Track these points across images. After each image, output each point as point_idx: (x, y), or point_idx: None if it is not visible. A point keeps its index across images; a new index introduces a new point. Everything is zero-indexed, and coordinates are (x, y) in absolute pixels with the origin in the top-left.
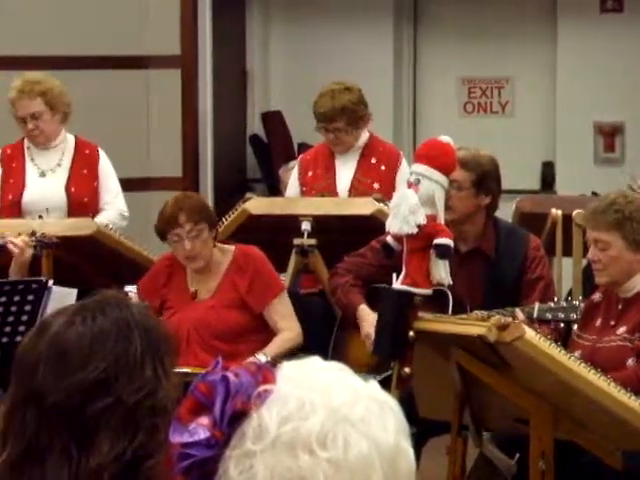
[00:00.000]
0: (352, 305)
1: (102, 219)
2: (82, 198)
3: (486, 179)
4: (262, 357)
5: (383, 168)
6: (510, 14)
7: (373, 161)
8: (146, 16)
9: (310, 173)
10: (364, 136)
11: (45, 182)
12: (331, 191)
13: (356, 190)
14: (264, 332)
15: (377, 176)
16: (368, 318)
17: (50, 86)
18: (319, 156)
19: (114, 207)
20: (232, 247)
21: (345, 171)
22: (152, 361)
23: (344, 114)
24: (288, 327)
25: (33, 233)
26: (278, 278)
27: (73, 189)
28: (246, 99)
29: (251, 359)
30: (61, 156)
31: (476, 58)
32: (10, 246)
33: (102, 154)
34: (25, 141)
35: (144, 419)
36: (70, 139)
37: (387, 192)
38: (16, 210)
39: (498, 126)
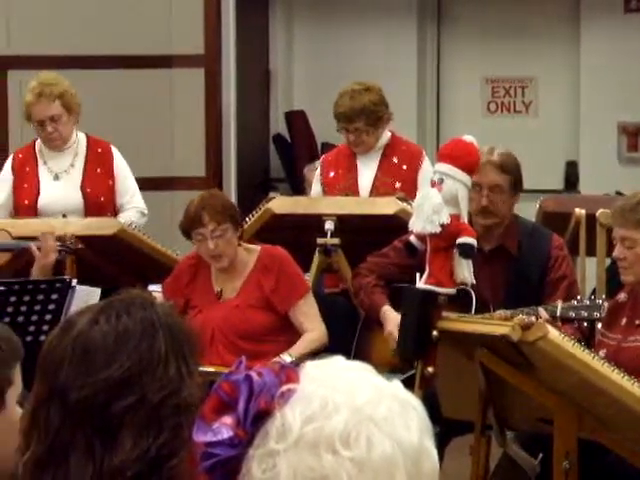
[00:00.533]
0: (375, 306)
1: (123, 219)
2: (98, 198)
3: (520, 179)
4: (287, 357)
5: (405, 167)
6: (533, 14)
7: (395, 161)
8: (170, 15)
9: (332, 173)
10: (385, 136)
11: (59, 185)
12: (353, 191)
13: (378, 190)
14: (289, 332)
15: (399, 175)
16: (392, 317)
17: (65, 87)
18: (341, 156)
19: (133, 206)
20: (257, 247)
21: (367, 171)
22: (176, 360)
23: (363, 114)
24: (313, 328)
25: (59, 238)
26: (304, 279)
27: (89, 189)
28: (269, 99)
29: (276, 359)
30: (74, 157)
31: (500, 58)
32: (34, 248)
33: (116, 152)
34: (36, 144)
35: (168, 418)
36: (82, 138)
37: (409, 191)
38: (32, 215)
39: (522, 126)
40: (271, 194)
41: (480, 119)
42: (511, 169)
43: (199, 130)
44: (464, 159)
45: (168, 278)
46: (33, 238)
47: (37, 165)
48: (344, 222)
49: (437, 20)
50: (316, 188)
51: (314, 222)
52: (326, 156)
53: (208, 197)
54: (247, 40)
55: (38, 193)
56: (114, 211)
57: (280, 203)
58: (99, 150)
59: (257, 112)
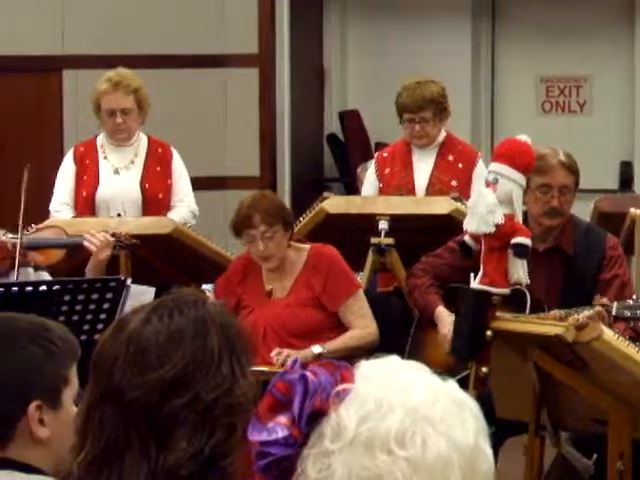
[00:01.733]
0: (430, 306)
1: (174, 216)
2: (157, 194)
3: (579, 180)
4: (317, 348)
5: (460, 166)
6: (588, 13)
7: (450, 159)
8: (224, 15)
9: (387, 170)
10: (442, 134)
11: (119, 179)
12: (409, 188)
13: (434, 187)
14: (340, 329)
15: (455, 174)
16: (446, 319)
17: (141, 84)
18: (397, 153)
19: (184, 204)
20: (307, 246)
21: (423, 168)
22: (229, 359)
23: (432, 103)
24: (363, 326)
25: (113, 234)
26: (353, 277)
27: (147, 185)
28: (323, 98)
29: (305, 350)
30: (134, 154)
31: (554, 57)
32: (87, 244)
33: (175, 153)
34: (98, 139)
35: (221, 417)
36: (143, 138)
37: (464, 190)
38: (90, 207)
39: (576, 125)
40: (325, 194)
41: (534, 119)
42: (576, 169)
43: (253, 129)
44: (519, 159)
45: (220, 278)
46: None
47: (98, 159)
48: (398, 222)
49: (492, 19)
50: (366, 188)
51: (368, 222)
52: (380, 153)
53: (260, 198)
54: (301, 39)
55: (97, 186)
56: (169, 210)
57: (334, 203)
58: (159, 150)
59: (311, 112)
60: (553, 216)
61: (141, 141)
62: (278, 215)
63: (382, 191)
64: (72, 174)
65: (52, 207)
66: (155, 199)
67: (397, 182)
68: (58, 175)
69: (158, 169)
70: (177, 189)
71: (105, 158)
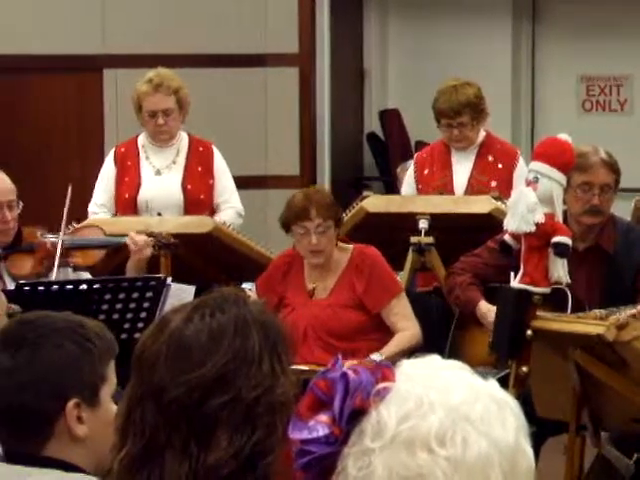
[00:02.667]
0: (471, 302)
1: (219, 218)
2: (198, 195)
3: (620, 178)
4: (377, 356)
5: (500, 166)
6: (628, 12)
7: (490, 159)
8: (265, 15)
9: (426, 171)
10: (481, 134)
11: (161, 180)
12: (448, 189)
13: (473, 188)
14: (382, 330)
15: (494, 174)
16: (491, 309)
17: (181, 84)
18: (435, 154)
19: (231, 206)
20: (350, 246)
21: (462, 168)
22: (269, 358)
23: (469, 107)
24: (407, 327)
25: (152, 234)
26: (396, 279)
27: (189, 186)
28: (363, 97)
29: (366, 359)
30: (176, 154)
31: (595, 56)
32: (129, 242)
33: (216, 152)
34: (139, 139)
35: (262, 415)
36: (184, 137)
37: (504, 190)
38: (132, 208)
39: (617, 124)
40: (365, 192)
41: (575, 118)
42: (617, 168)
43: (293, 129)
44: (559, 158)
45: (262, 276)
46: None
47: (139, 160)
48: (438, 221)
49: (532, 19)
50: (405, 189)
51: (408, 221)
52: (420, 154)
53: (314, 192)
54: (341, 39)
55: (139, 187)
56: (212, 210)
57: (374, 202)
58: (200, 149)
59: (351, 111)
60: (593, 214)
61: (182, 140)
62: (332, 210)
63: (421, 192)
64: (112, 176)
65: (90, 209)
66: (197, 200)
67: (436, 183)
68: (99, 177)
69: (199, 169)
70: (220, 189)
71: (147, 159)
